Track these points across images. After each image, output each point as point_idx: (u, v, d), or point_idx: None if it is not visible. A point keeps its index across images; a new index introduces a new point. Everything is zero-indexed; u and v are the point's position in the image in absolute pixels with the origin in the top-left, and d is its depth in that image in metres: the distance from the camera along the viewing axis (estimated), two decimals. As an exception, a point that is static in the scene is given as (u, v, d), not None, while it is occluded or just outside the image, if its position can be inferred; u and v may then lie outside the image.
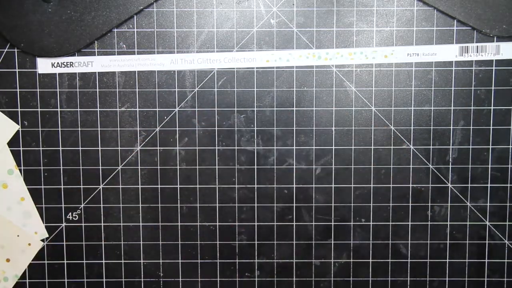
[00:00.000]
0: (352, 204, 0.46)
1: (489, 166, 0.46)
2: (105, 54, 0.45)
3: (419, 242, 0.46)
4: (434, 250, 0.46)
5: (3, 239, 0.46)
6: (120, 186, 0.46)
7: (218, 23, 0.45)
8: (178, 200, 0.46)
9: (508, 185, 0.46)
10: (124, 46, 0.45)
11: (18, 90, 0.45)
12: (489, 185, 0.46)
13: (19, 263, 0.46)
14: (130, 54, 0.45)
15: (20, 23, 0.43)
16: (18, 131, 0.45)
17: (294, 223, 0.46)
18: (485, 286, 0.47)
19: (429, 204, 0.46)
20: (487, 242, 0.46)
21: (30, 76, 0.45)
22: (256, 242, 0.47)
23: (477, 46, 0.45)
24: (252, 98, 0.45)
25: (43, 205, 0.46)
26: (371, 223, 0.46)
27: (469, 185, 0.46)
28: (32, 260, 0.47)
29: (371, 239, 0.46)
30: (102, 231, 0.46)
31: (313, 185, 0.46)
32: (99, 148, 0.46)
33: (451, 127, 0.45)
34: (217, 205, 0.46)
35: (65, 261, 0.47)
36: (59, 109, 0.45)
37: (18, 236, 0.46)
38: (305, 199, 0.46)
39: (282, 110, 0.45)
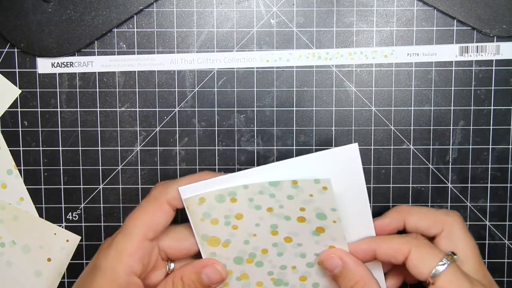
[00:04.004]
0: (352, 204, 0.46)
1: (489, 166, 0.46)
2: (105, 54, 0.45)
3: (419, 242, 0.46)
4: (434, 250, 0.46)
5: (41, 240, 0.46)
6: (120, 186, 0.46)
7: (218, 23, 0.45)
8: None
9: (508, 185, 0.46)
10: (124, 46, 0.45)
11: (18, 90, 0.45)
12: (489, 185, 0.46)
13: (60, 261, 0.46)
14: (130, 54, 0.45)
15: (20, 23, 0.43)
16: (17, 97, 0.45)
17: (294, 223, 0.46)
18: (485, 286, 0.47)
19: (429, 204, 0.46)
20: (487, 242, 0.46)
21: (30, 76, 0.45)
22: (256, 242, 0.47)
23: (477, 46, 0.45)
24: (252, 98, 0.45)
25: (43, 205, 0.46)
26: (371, 223, 0.46)
27: (469, 185, 0.46)
28: (32, 260, 0.47)
29: (371, 239, 0.46)
30: (102, 231, 0.46)
31: (313, 185, 0.46)
32: (99, 148, 0.46)
33: (451, 127, 0.45)
34: (217, 205, 0.46)
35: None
36: (59, 109, 0.45)
37: (55, 234, 0.46)
38: (305, 199, 0.46)
39: (282, 110, 0.45)
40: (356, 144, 0.38)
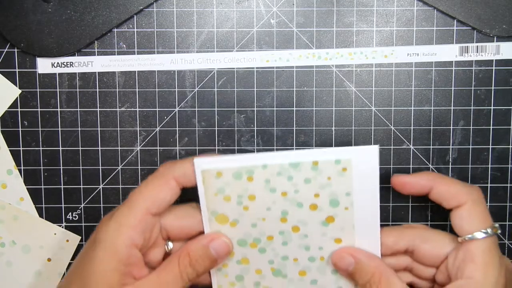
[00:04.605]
0: (352, 204, 0.46)
1: (489, 166, 0.46)
2: (105, 54, 0.45)
3: (419, 242, 0.46)
4: (434, 250, 0.46)
5: (41, 240, 0.46)
6: (120, 186, 0.46)
7: (218, 23, 0.45)
8: (178, 201, 0.46)
9: (508, 185, 0.46)
10: (124, 46, 0.45)
11: (18, 90, 0.45)
12: (489, 185, 0.46)
13: (60, 261, 0.46)
14: (130, 54, 0.45)
15: (20, 23, 0.43)
16: (17, 97, 0.45)
17: (294, 223, 0.46)
18: (485, 286, 0.47)
19: (429, 204, 0.46)
20: (487, 242, 0.46)
21: (30, 76, 0.45)
22: (256, 242, 0.47)
23: (477, 46, 0.45)
24: (252, 98, 0.45)
25: (43, 205, 0.46)
26: (371, 223, 0.46)
27: (469, 185, 0.46)
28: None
29: (371, 239, 0.46)
30: (102, 231, 0.46)
31: (313, 185, 0.46)
32: (99, 148, 0.46)
33: (451, 127, 0.45)
34: (217, 205, 0.46)
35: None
36: (59, 109, 0.45)
37: (55, 234, 0.46)
38: (305, 199, 0.46)
39: (282, 110, 0.45)
40: (377, 146, 0.38)
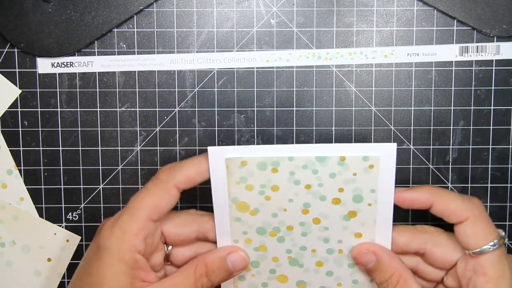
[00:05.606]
0: (352, 204, 0.46)
1: (489, 166, 0.46)
2: (105, 54, 0.45)
3: (419, 242, 0.46)
4: (434, 250, 0.46)
5: (41, 240, 0.46)
6: (120, 186, 0.46)
7: (218, 23, 0.45)
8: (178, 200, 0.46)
9: (508, 185, 0.46)
10: (124, 46, 0.45)
11: (18, 90, 0.45)
12: (489, 185, 0.46)
13: (60, 261, 0.46)
14: (130, 54, 0.45)
15: (20, 23, 0.43)
16: (17, 97, 0.45)
17: (294, 223, 0.46)
18: (485, 286, 0.47)
19: (429, 204, 0.46)
20: (487, 242, 0.46)
21: (30, 76, 0.45)
22: (256, 242, 0.47)
23: (477, 46, 0.45)
24: (252, 98, 0.45)
25: (43, 205, 0.46)
26: (371, 223, 0.46)
27: (469, 185, 0.46)
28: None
29: (371, 239, 0.46)
30: (102, 231, 0.46)
31: (313, 185, 0.46)
32: (99, 148, 0.46)
33: (451, 127, 0.45)
34: (217, 205, 0.46)
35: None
36: (59, 109, 0.45)
37: (55, 234, 0.46)
38: (305, 199, 0.46)
39: (282, 110, 0.45)
40: (395, 144, 0.38)
